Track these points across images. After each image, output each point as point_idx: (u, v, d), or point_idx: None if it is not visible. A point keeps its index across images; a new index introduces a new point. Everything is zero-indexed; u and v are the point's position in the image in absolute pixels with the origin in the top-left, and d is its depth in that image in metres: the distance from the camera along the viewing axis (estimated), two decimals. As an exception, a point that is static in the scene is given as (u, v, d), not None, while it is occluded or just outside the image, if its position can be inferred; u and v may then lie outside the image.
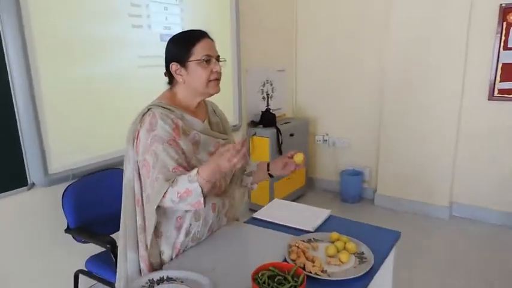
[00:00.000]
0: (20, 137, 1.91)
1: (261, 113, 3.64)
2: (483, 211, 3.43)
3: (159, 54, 2.48)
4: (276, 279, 1.10)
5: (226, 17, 3.12)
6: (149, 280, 1.21)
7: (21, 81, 1.86)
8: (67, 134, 2.08)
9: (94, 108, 2.20)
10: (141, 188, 1.33)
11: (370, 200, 3.93)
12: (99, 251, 2.04)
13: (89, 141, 2.19)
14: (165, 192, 1.21)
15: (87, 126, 2.18)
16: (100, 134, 2.24)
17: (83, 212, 2.00)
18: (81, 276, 2.06)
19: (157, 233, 1.36)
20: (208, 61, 1.32)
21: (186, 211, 1.36)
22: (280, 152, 3.51)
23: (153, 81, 2.44)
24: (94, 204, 2.05)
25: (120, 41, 2.29)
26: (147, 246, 1.34)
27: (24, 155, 1.94)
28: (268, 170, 1.57)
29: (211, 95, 1.40)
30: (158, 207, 1.25)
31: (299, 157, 1.47)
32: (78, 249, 2.10)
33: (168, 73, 1.38)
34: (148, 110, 1.33)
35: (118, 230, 1.99)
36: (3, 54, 1.81)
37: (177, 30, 2.63)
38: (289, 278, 1.10)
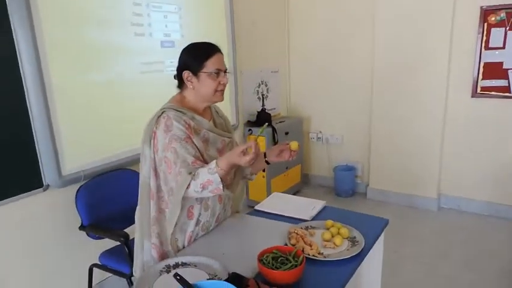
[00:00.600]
0: (35, 141, 2.05)
1: (256, 112, 3.80)
2: (470, 202, 3.63)
3: (160, 60, 2.68)
4: (279, 260, 1.27)
5: (222, 22, 3.27)
6: (166, 265, 1.36)
7: (35, 87, 1.98)
8: (78, 138, 2.22)
9: (102, 112, 2.34)
10: (156, 183, 1.48)
11: (363, 194, 4.12)
12: (111, 246, 2.19)
13: (98, 143, 2.33)
14: (188, 185, 1.38)
15: (96, 130, 2.32)
16: (108, 137, 2.38)
17: (96, 210, 2.14)
18: (95, 270, 2.21)
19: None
20: (217, 74, 1.49)
21: (198, 203, 1.52)
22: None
23: (155, 86, 2.63)
24: (105, 203, 2.20)
25: (124, 48, 2.44)
26: (158, 234, 1.50)
27: (39, 158, 2.07)
28: (265, 157, 1.70)
29: (216, 102, 1.59)
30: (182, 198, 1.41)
31: (294, 144, 1.61)
32: (92, 246, 2.25)
33: (179, 78, 1.54)
34: (163, 112, 1.48)
35: (129, 225, 2.17)
36: (18, 63, 1.94)
37: (176, 37, 2.80)
38: (291, 259, 1.27)
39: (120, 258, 2.03)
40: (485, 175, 3.52)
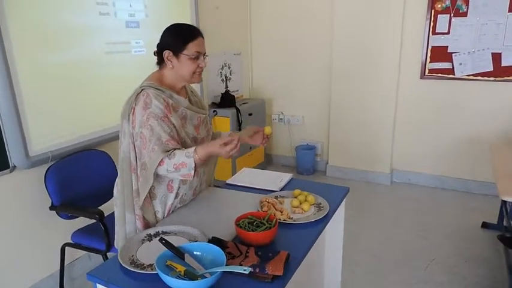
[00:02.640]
0: (0, 123, 2.01)
1: (221, 94, 3.87)
2: (419, 176, 3.96)
3: (126, 41, 2.67)
4: (254, 224, 1.39)
5: (186, 3, 3.28)
6: (147, 234, 1.44)
7: (-2, 69, 1.95)
8: (45, 119, 2.20)
9: (68, 93, 2.32)
10: (136, 157, 1.54)
11: (323, 172, 4.35)
12: (82, 225, 2.21)
13: (66, 124, 2.32)
14: (161, 161, 1.45)
15: (63, 111, 2.30)
16: (75, 117, 2.37)
17: (66, 190, 2.15)
18: (67, 250, 2.23)
19: (152, 195, 1.59)
20: (197, 57, 1.55)
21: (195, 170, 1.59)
22: (240, 130, 3.77)
23: (121, 67, 2.63)
24: (75, 183, 2.21)
25: (89, 28, 2.41)
26: (140, 206, 1.56)
27: (4, 139, 2.04)
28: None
29: (193, 83, 1.66)
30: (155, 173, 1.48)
31: (268, 129, 1.74)
32: (62, 226, 2.27)
33: (159, 56, 1.58)
34: (142, 90, 1.52)
35: (100, 204, 2.20)
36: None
37: (140, 17, 2.79)
38: (265, 222, 1.39)
39: (94, 236, 2.07)
40: (433, 151, 3.85)
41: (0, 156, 2.03)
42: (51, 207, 2.13)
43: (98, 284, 1.22)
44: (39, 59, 2.15)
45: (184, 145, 1.57)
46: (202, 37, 1.58)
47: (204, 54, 1.59)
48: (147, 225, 1.59)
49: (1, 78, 1.95)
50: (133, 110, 1.51)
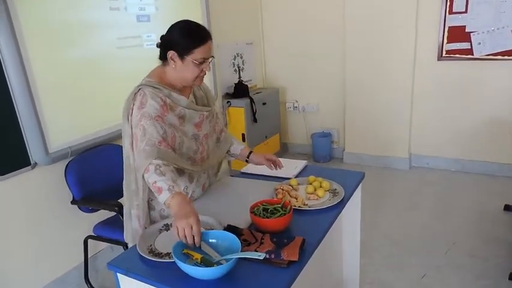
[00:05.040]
0: (19, 122, 2.06)
1: (234, 85, 3.87)
2: (438, 160, 3.88)
3: (137, 35, 2.68)
4: (269, 211, 1.39)
5: (196, -4, 3.27)
6: (164, 224, 1.47)
7: (15, 68, 1.99)
8: (62, 115, 2.25)
9: (83, 89, 2.36)
10: (134, 159, 1.50)
11: (340, 159, 4.32)
12: (104, 218, 2.27)
13: (83, 120, 2.37)
14: (147, 168, 1.36)
15: (79, 106, 2.34)
16: (91, 113, 2.42)
17: (86, 184, 2.20)
18: (90, 242, 2.29)
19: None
20: (202, 63, 1.48)
21: (183, 175, 1.57)
22: (255, 120, 3.78)
23: (133, 60, 2.66)
24: (95, 177, 2.26)
25: (101, 24, 2.44)
26: (138, 205, 1.55)
27: (24, 138, 2.10)
28: (247, 157, 1.82)
29: (194, 86, 1.61)
30: None
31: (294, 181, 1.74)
32: (84, 219, 2.33)
33: (163, 51, 1.52)
34: (139, 89, 1.48)
35: (119, 197, 2.24)
36: (-5, 45, 1.94)
37: (151, 10, 2.80)
38: (279, 209, 1.40)
39: (115, 228, 2.12)
40: (452, 134, 3.76)
41: (21, 154, 2.10)
42: (73, 202, 2.20)
43: (118, 274, 1.26)
44: (52, 56, 2.19)
45: (181, 145, 1.53)
46: (211, 40, 1.50)
47: (210, 58, 1.52)
48: (145, 224, 1.57)
49: (18, 77, 2.00)
50: (132, 110, 1.48)
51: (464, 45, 3.46)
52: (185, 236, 1.19)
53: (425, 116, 3.83)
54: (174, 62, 1.49)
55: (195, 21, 1.53)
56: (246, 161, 1.85)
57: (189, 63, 1.47)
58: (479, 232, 2.75)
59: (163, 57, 1.54)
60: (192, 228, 1.19)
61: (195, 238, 1.19)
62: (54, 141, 2.21)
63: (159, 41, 1.54)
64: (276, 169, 1.81)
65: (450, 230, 2.81)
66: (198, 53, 1.45)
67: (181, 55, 1.46)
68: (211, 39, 1.50)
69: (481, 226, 2.83)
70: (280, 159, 1.84)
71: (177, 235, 1.20)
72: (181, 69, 1.49)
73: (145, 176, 1.37)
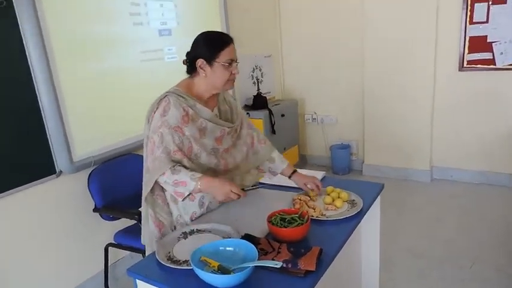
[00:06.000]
0: (46, 130, 2.15)
1: (252, 96, 3.91)
2: (461, 172, 3.79)
3: (159, 48, 2.76)
4: (286, 220, 1.39)
5: (216, 11, 3.35)
6: (183, 232, 1.48)
7: (43, 79, 2.08)
8: (86, 125, 2.33)
9: (106, 100, 2.44)
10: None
11: (359, 171, 4.27)
12: (124, 226, 2.31)
13: (106, 130, 2.44)
14: (164, 173, 1.45)
15: (102, 117, 2.42)
16: (114, 124, 2.49)
17: (108, 193, 2.26)
18: (110, 250, 2.33)
19: (173, 198, 1.59)
20: (230, 64, 1.53)
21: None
22: (273, 131, 3.80)
23: (155, 73, 2.74)
24: (116, 186, 2.32)
25: (124, 38, 2.53)
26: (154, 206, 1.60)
27: (51, 146, 2.18)
28: (289, 177, 1.78)
29: (226, 90, 1.66)
30: None
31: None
32: (105, 227, 2.38)
33: (190, 64, 1.58)
34: (165, 96, 1.54)
35: (139, 206, 2.28)
36: (26, 56, 2.03)
37: (172, 25, 2.88)
38: (297, 218, 1.40)
39: (135, 236, 2.15)
40: (475, 145, 3.68)
41: (47, 162, 2.18)
42: (95, 209, 2.25)
43: (137, 280, 1.28)
44: (79, 68, 2.28)
45: (198, 157, 1.55)
46: (234, 44, 1.56)
47: (236, 61, 1.57)
48: (161, 224, 1.60)
49: (46, 88, 2.09)
50: (153, 114, 1.53)
51: (486, 55, 3.40)
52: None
53: (446, 127, 3.76)
54: (204, 70, 1.54)
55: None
56: (290, 177, 1.81)
57: (218, 67, 1.52)
58: (505, 246, 2.66)
59: (191, 70, 1.59)
60: (232, 191, 1.45)
61: (241, 195, 1.47)
62: (79, 150, 2.28)
63: (185, 58, 1.59)
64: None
65: (475, 244, 2.72)
66: (224, 55, 1.52)
67: (209, 61, 1.52)
68: (233, 42, 1.56)
69: (506, 240, 2.73)
70: (298, 170, 1.83)
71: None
72: (211, 75, 1.54)
73: (164, 179, 1.47)
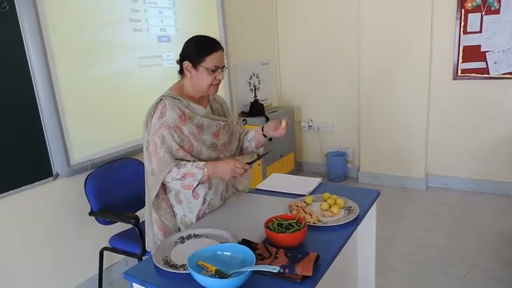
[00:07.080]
0: (44, 133, 2.15)
1: (250, 103, 3.93)
2: (455, 180, 3.83)
3: (158, 54, 2.78)
4: (283, 226, 1.40)
5: (214, 18, 3.38)
6: (180, 237, 1.49)
7: (43, 82, 2.09)
8: (84, 129, 2.33)
9: (106, 105, 2.45)
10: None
11: (355, 178, 4.29)
12: (120, 231, 2.31)
13: (103, 134, 2.44)
14: (170, 170, 1.52)
15: (100, 121, 2.42)
16: (112, 128, 2.49)
17: (104, 197, 2.26)
18: (105, 254, 2.32)
19: (178, 199, 1.65)
20: (214, 70, 1.59)
21: (202, 183, 1.62)
22: (270, 138, 3.79)
23: (154, 78, 2.75)
24: (113, 190, 2.31)
25: (124, 43, 2.54)
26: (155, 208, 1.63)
27: (48, 149, 2.18)
28: (262, 131, 1.84)
29: (210, 94, 1.71)
30: None
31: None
32: (100, 231, 2.37)
33: (180, 65, 1.64)
34: (161, 100, 1.60)
35: (136, 210, 2.29)
36: (27, 60, 2.04)
37: (171, 31, 2.91)
38: (294, 224, 1.41)
39: (130, 240, 2.16)
40: (469, 154, 3.72)
41: (44, 165, 2.17)
42: (91, 213, 2.24)
43: (134, 283, 1.28)
44: (78, 72, 2.29)
45: (199, 153, 1.61)
46: (223, 50, 1.61)
47: (223, 68, 1.61)
48: (165, 228, 1.64)
49: (45, 91, 2.10)
50: (151, 118, 1.58)
51: (480, 65, 3.45)
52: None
53: (441, 136, 3.80)
54: (189, 72, 1.61)
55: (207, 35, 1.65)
56: (264, 135, 1.84)
57: (202, 71, 1.58)
58: (497, 254, 2.68)
59: (181, 71, 1.66)
60: (236, 166, 1.53)
61: (246, 168, 1.55)
62: (76, 154, 2.28)
63: (178, 58, 1.66)
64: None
65: (469, 252, 2.74)
66: (210, 61, 1.57)
67: (195, 64, 1.58)
68: (222, 49, 1.61)
69: (499, 248, 2.76)
70: (294, 176, 1.86)
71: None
72: (196, 78, 1.60)
73: (171, 176, 1.53)
